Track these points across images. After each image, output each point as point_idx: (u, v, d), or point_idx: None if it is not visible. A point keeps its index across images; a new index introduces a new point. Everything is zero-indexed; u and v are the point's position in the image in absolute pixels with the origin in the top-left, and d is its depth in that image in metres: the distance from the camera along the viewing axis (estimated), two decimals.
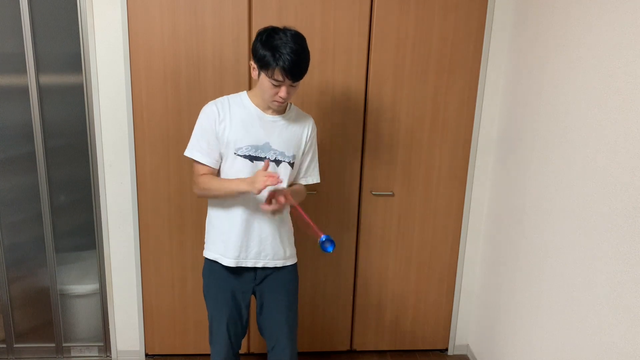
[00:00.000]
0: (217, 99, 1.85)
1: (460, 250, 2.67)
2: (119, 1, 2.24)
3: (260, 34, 1.71)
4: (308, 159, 1.95)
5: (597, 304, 1.68)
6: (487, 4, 2.36)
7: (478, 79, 2.44)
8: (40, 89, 2.36)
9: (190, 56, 2.30)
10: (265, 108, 1.83)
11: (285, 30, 1.70)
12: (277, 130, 1.83)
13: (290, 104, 1.93)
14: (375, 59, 2.37)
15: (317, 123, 2.40)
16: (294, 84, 1.73)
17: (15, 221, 2.51)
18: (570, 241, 1.84)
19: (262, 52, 1.68)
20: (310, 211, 2.52)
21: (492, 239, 2.55)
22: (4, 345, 2.65)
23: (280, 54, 1.64)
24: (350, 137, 2.46)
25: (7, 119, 2.39)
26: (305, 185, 1.99)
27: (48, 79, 2.37)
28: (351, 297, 2.70)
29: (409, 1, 2.31)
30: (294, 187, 1.92)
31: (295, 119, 1.89)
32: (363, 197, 2.55)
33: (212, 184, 1.81)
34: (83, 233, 2.57)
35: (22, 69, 2.32)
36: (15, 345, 2.66)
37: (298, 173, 1.95)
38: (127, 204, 2.46)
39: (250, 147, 1.80)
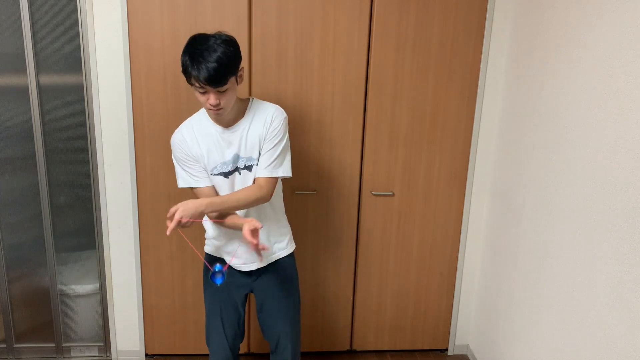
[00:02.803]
0: (181, 125, 1.83)
1: (460, 250, 2.67)
2: (119, 1, 2.24)
3: (186, 42, 1.66)
4: (268, 149, 1.78)
5: (597, 304, 1.68)
6: (487, 4, 2.36)
7: (478, 79, 2.44)
8: (40, 89, 2.36)
9: None
10: (224, 122, 1.77)
11: (210, 36, 1.64)
12: (239, 138, 1.78)
13: (252, 99, 1.84)
14: (375, 59, 2.37)
15: (317, 123, 2.41)
16: (220, 90, 1.62)
17: (15, 221, 2.51)
18: (570, 241, 1.84)
19: (182, 59, 1.64)
20: (310, 211, 2.53)
21: (492, 239, 2.55)
22: (4, 345, 2.65)
23: (194, 61, 1.59)
24: (350, 137, 2.46)
25: (7, 119, 2.39)
26: (265, 180, 1.79)
27: (48, 79, 2.37)
28: (351, 297, 2.70)
29: (409, 1, 2.31)
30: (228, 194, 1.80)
31: (256, 118, 1.79)
32: (363, 197, 2.55)
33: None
34: (83, 233, 2.57)
35: (22, 69, 2.32)
36: (15, 345, 2.66)
37: (260, 165, 1.80)
38: (127, 204, 2.46)
39: (220, 165, 1.80)
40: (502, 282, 2.41)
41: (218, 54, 1.59)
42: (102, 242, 2.52)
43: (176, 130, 1.83)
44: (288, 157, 1.84)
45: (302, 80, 2.37)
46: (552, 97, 2.00)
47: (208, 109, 1.70)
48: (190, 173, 1.82)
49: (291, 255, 2.00)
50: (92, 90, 2.33)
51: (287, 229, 2.00)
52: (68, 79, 2.37)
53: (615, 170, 1.60)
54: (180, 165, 1.83)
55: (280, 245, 1.95)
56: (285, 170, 1.83)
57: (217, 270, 1.69)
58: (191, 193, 1.87)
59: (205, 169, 1.81)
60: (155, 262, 2.54)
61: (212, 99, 1.64)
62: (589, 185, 1.74)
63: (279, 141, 1.79)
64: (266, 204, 1.85)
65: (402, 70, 2.39)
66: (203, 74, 1.58)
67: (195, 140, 1.79)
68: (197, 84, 1.62)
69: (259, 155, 1.80)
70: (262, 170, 1.79)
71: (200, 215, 1.66)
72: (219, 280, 1.69)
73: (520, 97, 2.28)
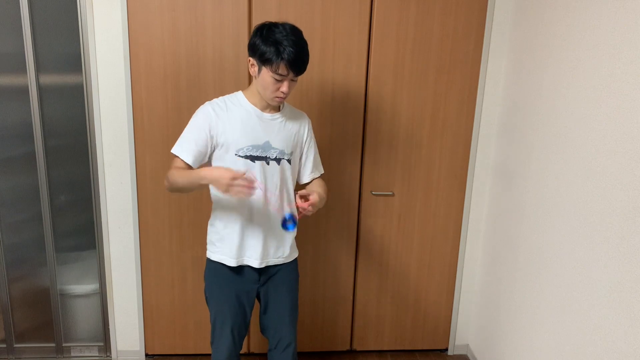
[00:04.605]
0: (213, 100, 1.82)
1: (460, 250, 2.67)
2: (119, 1, 2.24)
3: (259, 29, 1.71)
4: (313, 153, 1.97)
5: (597, 304, 1.68)
6: (487, 4, 2.36)
7: (478, 79, 2.44)
8: (40, 89, 2.36)
9: (190, 56, 2.30)
10: (263, 107, 1.82)
11: (283, 24, 1.71)
12: (276, 129, 1.83)
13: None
14: (375, 59, 2.37)
15: (316, 123, 2.41)
16: (295, 78, 1.74)
17: (15, 221, 2.51)
18: (570, 241, 1.84)
19: (264, 47, 1.67)
20: None
21: (492, 239, 2.55)
22: (4, 345, 2.65)
23: (284, 47, 1.64)
24: (350, 137, 2.46)
25: (7, 119, 2.39)
26: (321, 177, 2.03)
27: (48, 79, 2.37)
28: (351, 297, 2.70)
29: (409, 1, 2.31)
30: (319, 190, 1.90)
31: (291, 116, 1.89)
32: (363, 197, 2.55)
33: (177, 177, 1.74)
34: (83, 233, 2.57)
35: (22, 69, 2.32)
36: (15, 345, 2.66)
37: (306, 169, 1.97)
38: (127, 204, 2.46)
39: (251, 147, 1.79)
40: (502, 282, 2.41)
41: (299, 40, 1.68)
42: (102, 242, 2.52)
43: (207, 102, 1.81)
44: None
45: (302, 79, 2.37)
46: (552, 97, 2.00)
47: (274, 97, 1.75)
48: (190, 144, 1.77)
49: (296, 260, 2.02)
50: (92, 90, 2.33)
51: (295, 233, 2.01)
52: (68, 79, 2.37)
53: (615, 170, 1.60)
54: (192, 133, 1.78)
55: (292, 248, 1.97)
56: (322, 168, 2.06)
57: (287, 218, 1.75)
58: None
59: (207, 147, 1.78)
60: (155, 262, 2.54)
61: (285, 86, 1.72)
62: (589, 185, 1.74)
63: (315, 145, 1.99)
64: (288, 208, 1.89)
65: (402, 70, 2.39)
66: (292, 59, 1.65)
67: (228, 119, 1.78)
68: (282, 71, 1.68)
69: (291, 154, 1.87)
70: (320, 168, 2.02)
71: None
72: (291, 227, 1.75)
73: (520, 97, 2.28)
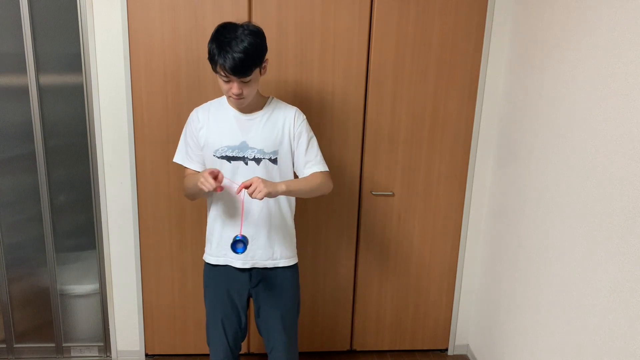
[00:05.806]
0: (201, 105, 1.90)
1: (460, 250, 2.67)
2: (119, 1, 2.24)
3: (214, 29, 1.70)
4: (303, 148, 1.86)
5: (597, 304, 1.68)
6: (487, 4, 2.36)
7: (478, 79, 2.44)
8: (40, 89, 2.36)
9: (190, 56, 2.30)
10: (242, 109, 1.82)
11: (238, 26, 1.67)
12: (254, 128, 1.81)
13: (272, 97, 1.90)
14: (375, 59, 2.37)
15: (317, 123, 2.41)
16: (244, 80, 1.67)
17: (15, 221, 2.51)
18: (570, 241, 1.84)
19: (209, 46, 1.68)
20: (310, 211, 2.53)
21: (492, 239, 2.55)
22: (4, 345, 2.65)
23: (222, 50, 1.63)
24: (350, 137, 2.46)
25: (7, 119, 2.39)
26: (322, 173, 1.88)
27: (48, 79, 2.37)
28: (351, 297, 2.70)
29: (409, 1, 2.31)
30: (298, 179, 1.86)
31: (275, 113, 1.85)
32: (363, 197, 2.55)
33: (186, 183, 1.88)
34: (83, 233, 2.57)
35: (22, 69, 2.32)
36: (15, 345, 2.66)
37: (299, 164, 1.88)
38: (127, 204, 2.46)
39: (226, 148, 1.80)
40: (502, 282, 2.41)
41: (245, 44, 1.63)
42: (102, 242, 2.52)
43: (196, 108, 1.89)
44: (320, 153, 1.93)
45: (302, 79, 2.37)
46: (552, 97, 2.00)
47: (229, 98, 1.76)
48: (188, 153, 1.90)
49: (294, 267, 1.97)
50: (92, 90, 2.33)
51: (293, 238, 1.98)
52: (68, 79, 2.37)
53: (615, 170, 1.60)
54: (184, 139, 1.90)
55: (285, 253, 1.93)
56: (324, 165, 1.91)
57: (237, 239, 1.70)
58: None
59: (201, 151, 1.86)
60: (155, 262, 2.54)
61: (235, 88, 1.69)
62: (589, 185, 1.74)
63: (312, 137, 1.89)
64: (277, 207, 1.87)
65: (402, 70, 2.39)
66: (229, 63, 1.62)
67: (208, 122, 1.84)
68: (222, 73, 1.66)
69: (275, 152, 1.82)
70: (316, 165, 1.87)
71: (271, 196, 1.68)
72: (240, 249, 1.70)
73: (520, 97, 2.28)
